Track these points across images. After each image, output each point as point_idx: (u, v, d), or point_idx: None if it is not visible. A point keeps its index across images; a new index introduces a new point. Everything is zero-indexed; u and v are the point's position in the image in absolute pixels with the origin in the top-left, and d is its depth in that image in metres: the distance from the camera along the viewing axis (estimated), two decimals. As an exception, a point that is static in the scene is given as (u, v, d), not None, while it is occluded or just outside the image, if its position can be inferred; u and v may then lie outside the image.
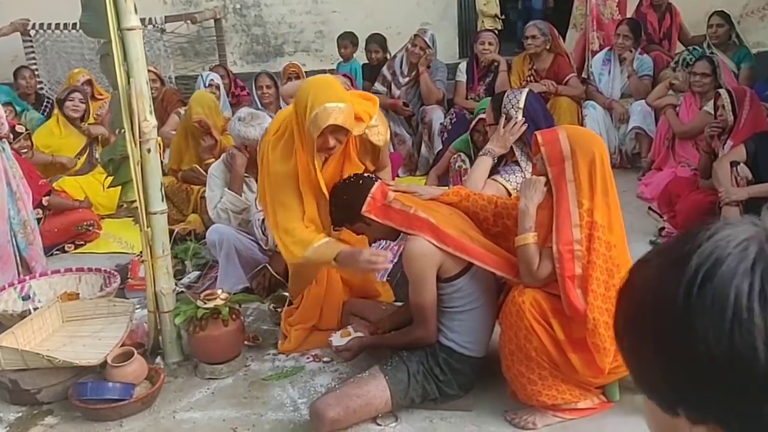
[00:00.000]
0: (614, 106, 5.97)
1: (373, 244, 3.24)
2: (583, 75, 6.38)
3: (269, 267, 3.94)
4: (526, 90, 3.64)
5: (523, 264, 2.78)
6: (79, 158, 5.82)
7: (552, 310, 2.74)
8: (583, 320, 2.64)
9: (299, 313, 3.54)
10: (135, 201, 3.16)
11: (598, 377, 2.77)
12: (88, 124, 6.08)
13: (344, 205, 2.98)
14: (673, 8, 6.49)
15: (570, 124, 5.85)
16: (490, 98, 4.10)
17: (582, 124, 5.95)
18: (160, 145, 3.17)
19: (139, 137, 3.09)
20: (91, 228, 5.17)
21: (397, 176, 6.06)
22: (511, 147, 3.47)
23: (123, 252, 4.94)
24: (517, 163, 3.48)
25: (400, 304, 3.72)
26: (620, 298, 0.80)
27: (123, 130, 3.11)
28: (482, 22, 7.75)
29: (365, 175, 3.06)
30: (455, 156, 4.58)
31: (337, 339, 3.17)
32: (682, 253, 0.72)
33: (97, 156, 5.63)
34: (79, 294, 3.96)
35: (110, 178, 3.30)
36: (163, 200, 3.24)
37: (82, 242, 5.20)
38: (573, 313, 2.66)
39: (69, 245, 5.13)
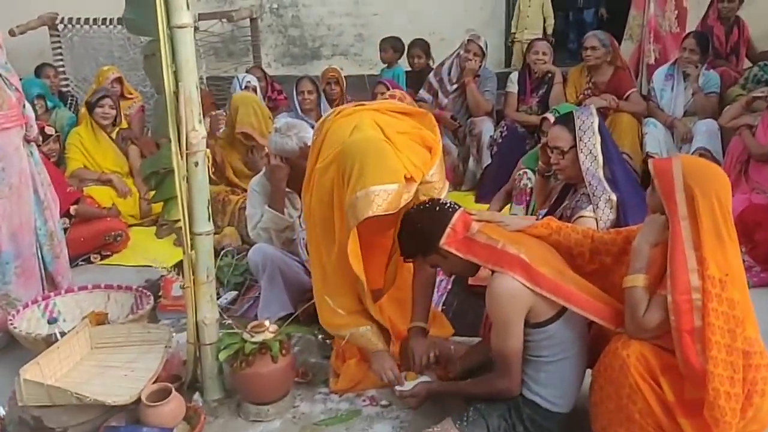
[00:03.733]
0: (677, 125, 5.57)
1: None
2: (640, 90, 6.00)
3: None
4: (593, 108, 3.27)
5: (629, 309, 2.41)
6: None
7: (661, 367, 2.36)
8: (701, 380, 2.26)
9: (351, 346, 3.17)
10: (179, 220, 2.80)
11: (714, 449, 2.39)
12: (120, 128, 5.77)
13: (418, 236, 2.61)
14: (742, 21, 6.09)
15: (631, 143, 5.50)
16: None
17: (642, 143, 5.59)
18: (208, 158, 2.80)
19: (186, 149, 2.74)
20: (119, 238, 4.84)
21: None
22: (582, 174, 3.10)
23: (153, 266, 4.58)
24: (586, 194, 3.09)
25: (459, 339, 3.37)
26: None
27: (168, 141, 2.76)
28: (522, 30, 7.40)
29: (443, 201, 2.69)
30: (521, 172, 4.21)
31: (402, 383, 2.81)
32: None
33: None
34: (108, 314, 3.61)
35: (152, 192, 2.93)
36: (209, 219, 2.89)
37: (108, 253, 4.88)
38: (690, 372, 2.29)
39: (95, 255, 4.82)
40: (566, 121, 3.24)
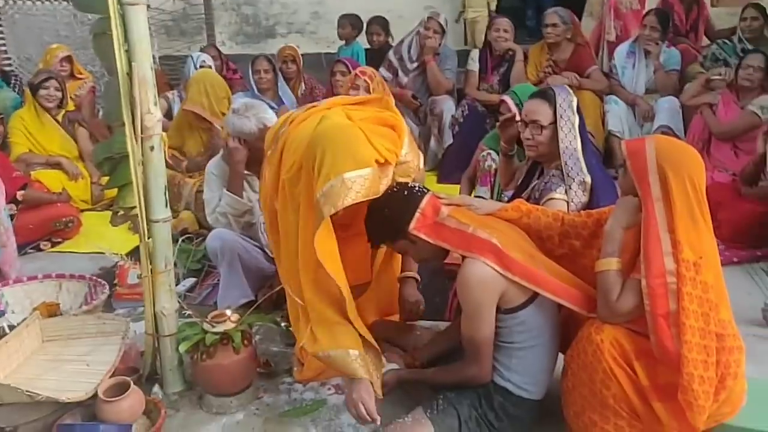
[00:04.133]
0: (639, 103, 5.58)
1: None
2: (601, 67, 5.97)
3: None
4: (565, 86, 3.20)
5: (602, 294, 2.36)
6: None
7: (635, 352, 2.32)
8: (675, 365, 2.23)
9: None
10: (135, 207, 2.67)
11: (687, 432, 2.36)
12: (67, 110, 5.53)
13: (386, 221, 2.51)
14: (701, -1, 6.11)
15: (593, 121, 5.47)
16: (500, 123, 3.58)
17: (603, 121, 5.57)
18: (164, 141, 2.67)
19: (141, 132, 2.60)
20: (70, 224, 4.65)
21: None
22: (559, 154, 3.02)
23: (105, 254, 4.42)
24: (560, 176, 3.01)
25: (427, 324, 3.30)
26: None
27: (122, 125, 2.61)
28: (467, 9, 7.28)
29: (411, 185, 2.59)
30: (485, 154, 4.12)
31: (369, 372, 2.73)
32: None
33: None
34: (59, 305, 3.46)
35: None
36: (167, 206, 2.75)
37: (59, 239, 4.69)
38: (664, 356, 2.25)
39: (45, 243, 4.63)
40: (546, 95, 3.14)
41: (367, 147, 2.49)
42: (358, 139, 2.50)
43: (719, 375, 2.27)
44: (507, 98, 3.57)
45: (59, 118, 5.47)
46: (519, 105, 3.44)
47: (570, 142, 2.96)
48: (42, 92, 5.30)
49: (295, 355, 3.12)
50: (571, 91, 3.10)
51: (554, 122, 2.99)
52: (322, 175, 2.40)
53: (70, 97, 5.77)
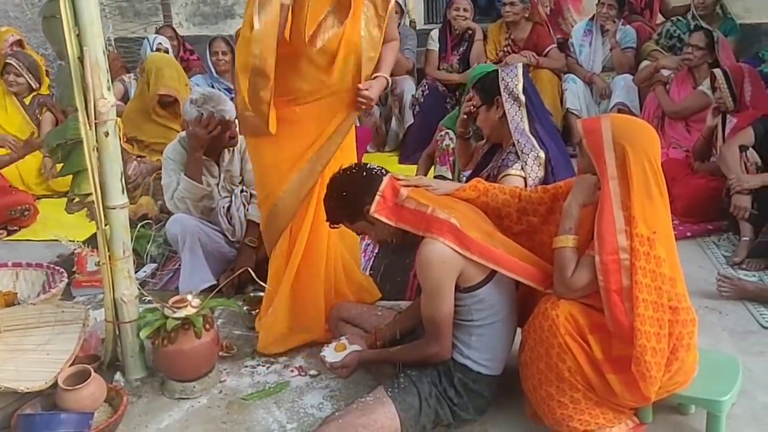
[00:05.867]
0: (595, 80, 5.64)
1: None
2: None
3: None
4: (521, 66, 3.23)
5: (558, 270, 2.41)
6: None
7: (590, 326, 2.37)
8: (629, 337, 2.29)
9: (273, 317, 3.10)
10: (90, 194, 2.64)
11: (640, 403, 2.43)
12: (39, 93, 5.43)
13: (345, 202, 2.53)
14: (655, -24, 6.18)
15: (552, 99, 5.53)
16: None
17: (561, 99, 5.63)
18: (120, 127, 2.63)
19: (95, 118, 2.57)
20: (26, 213, 4.58)
21: (366, 152, 5.64)
22: (510, 132, 3.07)
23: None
24: (516, 153, 3.06)
25: (386, 303, 3.33)
26: None
27: (75, 110, 2.57)
28: None
29: (369, 166, 2.61)
30: (443, 134, 4.16)
31: (331, 354, 2.75)
32: None
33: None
34: (17, 294, 3.43)
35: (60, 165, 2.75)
36: (123, 192, 2.73)
37: (15, 228, 4.61)
38: (618, 329, 2.31)
39: (0, 231, 4.54)
40: (482, 81, 3.23)
41: None
42: None
43: (672, 346, 2.33)
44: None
45: (27, 100, 5.38)
46: None
47: (518, 121, 3.01)
48: (5, 77, 5.22)
49: (257, 330, 3.16)
50: (518, 71, 3.12)
51: (494, 103, 3.05)
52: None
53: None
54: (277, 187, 2.99)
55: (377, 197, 2.47)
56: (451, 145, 4.09)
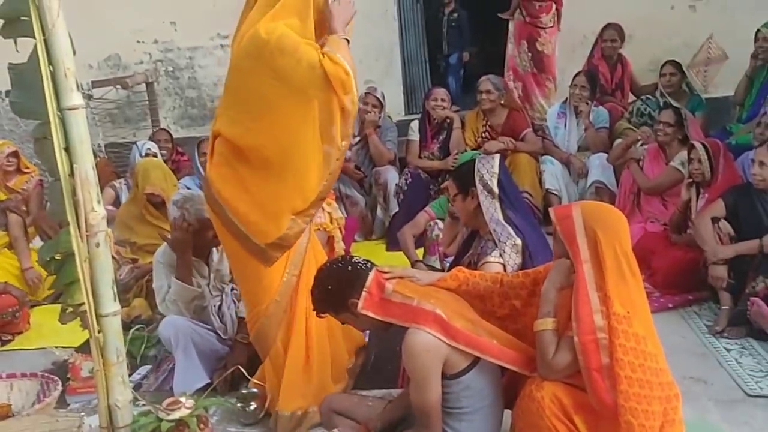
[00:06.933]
0: (572, 161, 5.82)
1: None
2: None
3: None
4: (497, 157, 3.38)
5: (540, 352, 2.49)
6: None
7: (574, 406, 2.44)
8: (614, 416, 2.35)
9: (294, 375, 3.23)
10: (83, 303, 2.71)
11: (631, 480, 2.46)
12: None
13: (330, 296, 2.63)
14: (624, 58, 6.43)
15: (531, 181, 5.69)
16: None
17: (540, 181, 5.79)
18: (110, 236, 2.74)
19: (86, 230, 2.67)
20: (18, 314, 4.61)
21: (354, 241, 5.74)
22: (485, 221, 3.19)
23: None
24: (492, 240, 3.18)
25: (377, 393, 3.37)
26: None
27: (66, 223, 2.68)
28: None
29: (355, 260, 2.71)
30: (432, 224, 4.29)
31: (325, 448, 2.79)
32: None
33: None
34: (11, 406, 3.44)
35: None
36: (115, 299, 2.80)
37: (8, 336, 4.64)
38: (602, 408, 2.37)
39: (-5, 341, 4.58)
40: (457, 171, 3.41)
41: None
42: None
43: (659, 424, 2.38)
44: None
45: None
46: None
47: (492, 211, 3.13)
48: None
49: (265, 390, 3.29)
50: (495, 162, 3.26)
51: (469, 194, 3.18)
52: None
53: (18, 191, 5.78)
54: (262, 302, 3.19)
55: (364, 293, 2.57)
56: (440, 235, 4.22)
